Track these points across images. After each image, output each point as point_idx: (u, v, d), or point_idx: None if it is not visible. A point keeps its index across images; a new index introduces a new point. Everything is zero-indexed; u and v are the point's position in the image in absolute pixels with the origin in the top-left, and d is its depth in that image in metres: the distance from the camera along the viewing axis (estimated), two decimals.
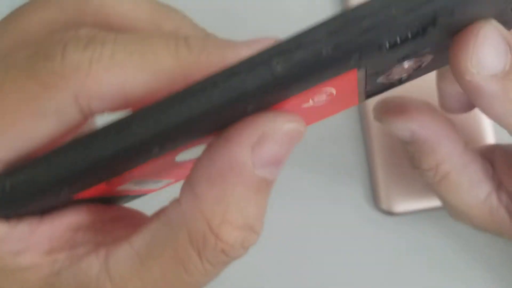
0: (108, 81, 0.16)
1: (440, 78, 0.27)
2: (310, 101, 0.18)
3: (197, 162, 0.17)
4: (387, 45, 0.16)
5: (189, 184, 0.17)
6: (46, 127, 0.16)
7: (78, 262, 0.18)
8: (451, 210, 0.29)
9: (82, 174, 0.16)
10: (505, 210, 0.26)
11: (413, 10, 0.15)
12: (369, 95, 0.21)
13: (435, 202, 0.35)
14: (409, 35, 0.16)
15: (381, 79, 0.19)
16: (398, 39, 0.16)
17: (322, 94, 0.18)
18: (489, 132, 0.34)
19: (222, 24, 0.38)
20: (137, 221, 0.20)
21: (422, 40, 0.16)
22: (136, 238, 0.18)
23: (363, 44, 0.15)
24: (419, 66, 0.20)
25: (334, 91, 0.18)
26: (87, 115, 0.17)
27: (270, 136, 0.17)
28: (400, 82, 0.21)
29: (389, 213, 0.35)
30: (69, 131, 0.17)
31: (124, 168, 0.17)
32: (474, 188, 0.26)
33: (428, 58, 0.19)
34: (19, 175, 0.16)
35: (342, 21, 0.15)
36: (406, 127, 0.26)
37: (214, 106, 0.15)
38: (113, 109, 0.17)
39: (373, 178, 0.36)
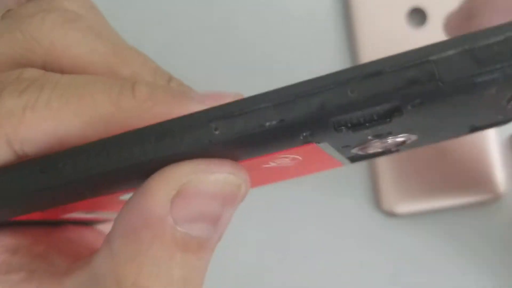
0: (41, 127, 0.16)
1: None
2: (271, 163, 0.16)
3: (118, 214, 0.16)
4: (348, 125, 0.14)
5: (107, 237, 0.16)
6: None
7: None
8: None
9: (5, 204, 0.16)
10: None
11: (372, 97, 0.13)
12: (354, 160, 0.19)
13: (437, 203, 0.35)
14: (374, 117, 0.14)
15: (356, 150, 0.17)
16: (361, 120, 0.14)
17: (282, 159, 0.16)
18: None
19: (224, 23, 0.38)
20: (83, 248, 0.19)
21: (393, 124, 0.14)
22: (67, 282, 0.16)
23: (314, 123, 0.14)
24: (404, 143, 0.17)
25: (298, 157, 0.16)
26: (21, 157, 0.16)
27: (192, 189, 0.15)
28: (391, 152, 0.19)
29: (391, 214, 0.35)
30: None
31: (52, 204, 0.16)
32: None
33: (412, 137, 0.17)
34: None
35: (293, 94, 0.14)
36: None
37: (142, 162, 0.14)
38: (48, 151, 0.16)
39: (375, 179, 0.36)
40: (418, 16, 0.36)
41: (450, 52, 0.13)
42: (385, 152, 0.19)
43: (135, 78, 0.18)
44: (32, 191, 0.15)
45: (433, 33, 0.36)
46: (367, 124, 0.14)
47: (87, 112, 0.16)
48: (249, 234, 0.36)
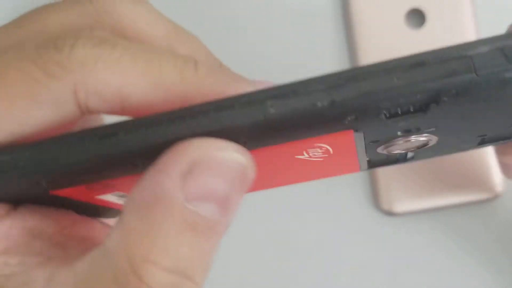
0: (109, 81, 0.16)
1: (500, 155, 0.29)
2: (304, 153, 0.18)
3: (132, 190, 0.16)
4: (387, 113, 0.15)
5: (120, 213, 0.16)
6: (41, 115, 0.16)
7: (28, 272, 0.17)
8: None
9: (59, 168, 0.16)
10: None
11: (416, 84, 0.15)
12: (371, 164, 0.20)
13: (436, 202, 0.35)
14: (411, 109, 0.15)
15: (380, 149, 0.19)
16: (398, 110, 0.15)
17: (316, 149, 0.17)
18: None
19: (225, 25, 0.38)
20: (96, 240, 0.20)
21: (426, 117, 0.16)
22: (79, 264, 0.17)
23: (360, 107, 0.15)
24: (424, 145, 0.19)
25: (330, 149, 0.17)
26: (84, 111, 0.17)
27: (203, 165, 0.15)
28: (405, 159, 0.20)
29: (390, 213, 0.35)
30: (64, 123, 0.17)
31: (103, 175, 0.17)
32: None
33: (433, 139, 0.18)
34: (1, 155, 0.16)
35: (344, 78, 0.15)
36: None
37: (202, 134, 0.15)
38: (108, 110, 0.17)
39: (374, 178, 0.36)
40: (416, 17, 0.36)
41: (485, 49, 0.15)
42: (400, 159, 0.20)
43: (193, 58, 0.19)
44: (89, 158, 0.16)
45: (431, 34, 0.36)
46: (404, 115, 0.15)
47: (153, 76, 0.16)
48: (248, 234, 0.36)
